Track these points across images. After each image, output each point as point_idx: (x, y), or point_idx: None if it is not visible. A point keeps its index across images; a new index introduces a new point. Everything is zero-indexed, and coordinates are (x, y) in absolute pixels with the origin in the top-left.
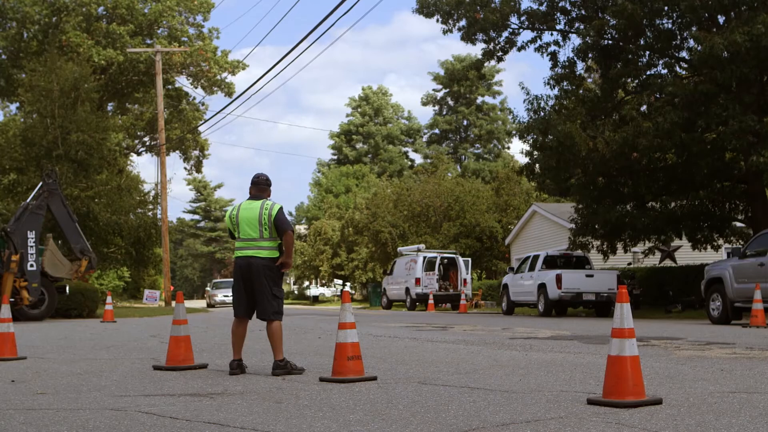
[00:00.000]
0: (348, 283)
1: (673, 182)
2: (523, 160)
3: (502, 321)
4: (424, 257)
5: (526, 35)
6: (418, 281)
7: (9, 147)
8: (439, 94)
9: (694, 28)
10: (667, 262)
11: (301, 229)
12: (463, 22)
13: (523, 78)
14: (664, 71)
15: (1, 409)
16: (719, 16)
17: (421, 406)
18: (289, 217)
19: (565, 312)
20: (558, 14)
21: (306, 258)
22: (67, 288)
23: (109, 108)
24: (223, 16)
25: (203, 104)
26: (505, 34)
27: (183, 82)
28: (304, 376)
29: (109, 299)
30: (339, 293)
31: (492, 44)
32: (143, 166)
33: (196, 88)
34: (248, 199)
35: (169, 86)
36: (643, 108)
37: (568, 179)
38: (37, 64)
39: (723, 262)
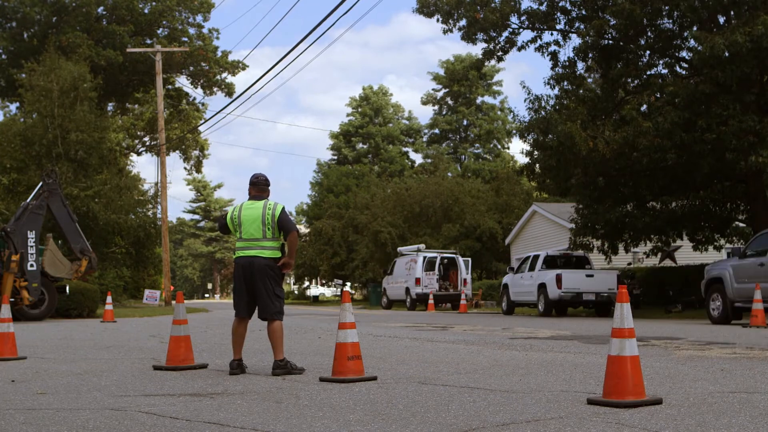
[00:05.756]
0: (348, 283)
1: (674, 182)
2: (523, 159)
3: (502, 321)
4: (424, 257)
5: (527, 35)
6: (418, 281)
7: (9, 147)
8: (439, 94)
9: (694, 28)
10: (667, 262)
11: (301, 229)
12: (463, 22)
13: (523, 78)
14: (665, 71)
15: (1, 409)
16: (719, 16)
17: (421, 406)
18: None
19: (565, 312)
20: (558, 14)
21: (306, 258)
22: (67, 288)
23: (110, 108)
24: (223, 16)
25: (203, 104)
26: (506, 33)
27: (183, 82)
28: (304, 376)
29: (109, 299)
30: (339, 293)
31: (492, 44)
32: (143, 166)
33: (196, 88)
34: (249, 199)
35: (169, 86)
36: (644, 108)
37: (568, 179)
38: (35, 65)
39: (723, 262)
